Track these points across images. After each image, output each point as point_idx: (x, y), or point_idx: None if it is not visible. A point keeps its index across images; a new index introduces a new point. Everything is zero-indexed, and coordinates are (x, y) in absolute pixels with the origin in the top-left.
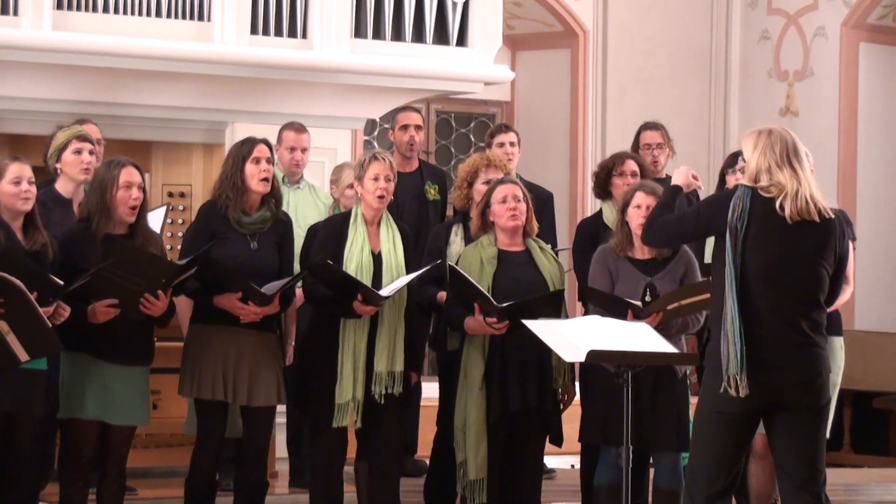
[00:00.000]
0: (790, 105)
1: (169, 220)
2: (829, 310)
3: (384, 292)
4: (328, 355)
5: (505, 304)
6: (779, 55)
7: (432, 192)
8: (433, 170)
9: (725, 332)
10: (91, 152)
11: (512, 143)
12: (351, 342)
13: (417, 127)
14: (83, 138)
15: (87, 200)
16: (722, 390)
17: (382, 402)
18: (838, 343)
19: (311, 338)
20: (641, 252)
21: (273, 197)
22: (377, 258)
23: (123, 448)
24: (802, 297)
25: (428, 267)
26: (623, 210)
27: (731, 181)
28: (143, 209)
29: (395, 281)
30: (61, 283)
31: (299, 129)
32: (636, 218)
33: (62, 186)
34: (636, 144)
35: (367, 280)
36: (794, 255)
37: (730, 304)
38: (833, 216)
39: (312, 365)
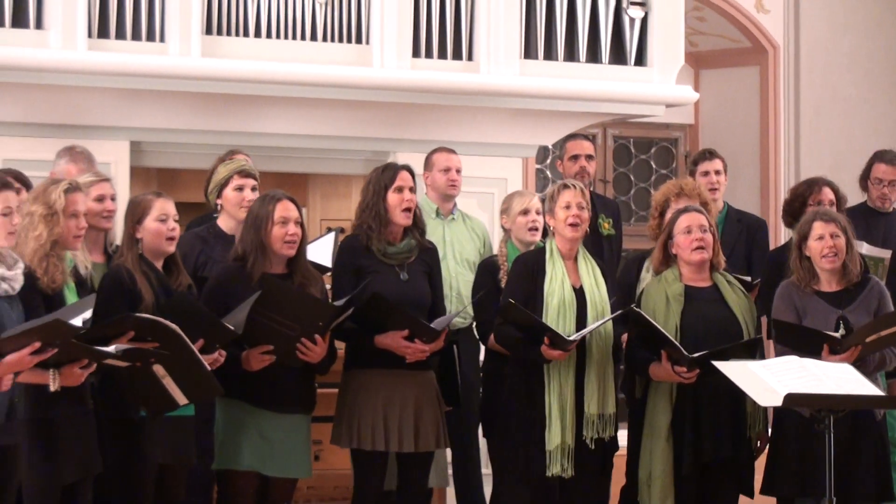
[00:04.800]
0: None
1: None
2: None
3: (571, 337)
4: (531, 397)
5: (696, 355)
6: None
7: (606, 226)
8: (605, 202)
9: None
10: (254, 189)
11: (717, 172)
12: (556, 383)
13: (588, 157)
14: (245, 174)
15: (241, 238)
16: None
17: (593, 447)
18: None
19: (513, 379)
20: (829, 284)
21: (416, 227)
22: (579, 293)
23: (284, 502)
24: None
25: (617, 312)
26: (800, 245)
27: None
28: (302, 246)
29: (587, 327)
30: (232, 328)
31: (450, 150)
32: (819, 250)
33: (224, 222)
34: (866, 175)
35: (570, 316)
36: None
37: None
38: None
39: (514, 408)
